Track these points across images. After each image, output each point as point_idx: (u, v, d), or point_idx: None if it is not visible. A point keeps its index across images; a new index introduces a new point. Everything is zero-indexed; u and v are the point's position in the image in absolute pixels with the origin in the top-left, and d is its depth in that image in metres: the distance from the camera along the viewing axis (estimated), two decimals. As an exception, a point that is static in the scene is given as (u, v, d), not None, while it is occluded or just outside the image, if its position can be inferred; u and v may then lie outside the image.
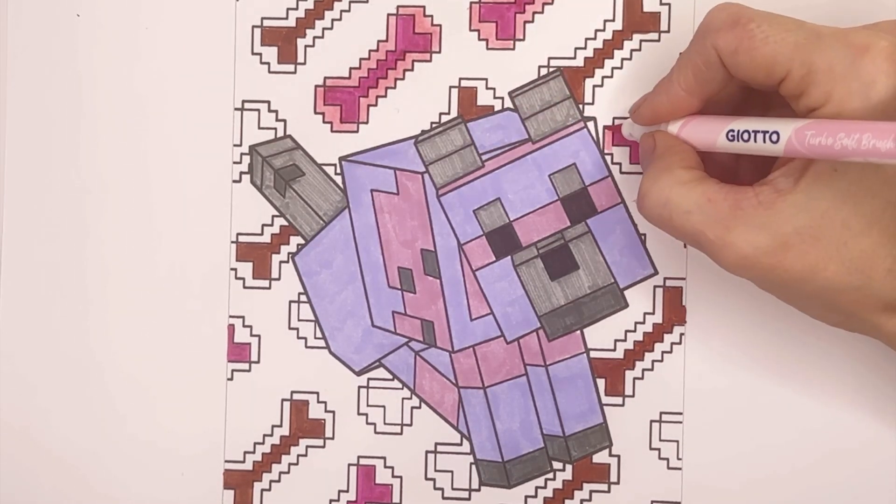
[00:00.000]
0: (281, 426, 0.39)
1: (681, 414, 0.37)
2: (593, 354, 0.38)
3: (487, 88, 0.38)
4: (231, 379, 0.39)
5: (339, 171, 0.38)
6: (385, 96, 0.38)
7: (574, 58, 0.37)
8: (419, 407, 0.39)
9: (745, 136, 0.30)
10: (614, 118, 0.37)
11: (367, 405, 0.39)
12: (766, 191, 0.30)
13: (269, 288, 0.39)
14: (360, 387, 0.39)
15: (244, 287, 0.39)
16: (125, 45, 0.39)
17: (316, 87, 0.38)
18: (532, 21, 0.37)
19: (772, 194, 0.30)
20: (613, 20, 0.37)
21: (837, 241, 0.29)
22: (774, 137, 0.29)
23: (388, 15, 0.38)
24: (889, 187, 0.29)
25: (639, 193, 0.32)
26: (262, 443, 0.39)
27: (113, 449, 0.39)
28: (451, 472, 0.38)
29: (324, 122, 0.38)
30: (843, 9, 0.36)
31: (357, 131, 0.38)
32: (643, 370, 0.37)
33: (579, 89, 0.37)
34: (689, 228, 0.31)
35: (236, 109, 0.39)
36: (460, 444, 0.38)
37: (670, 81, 0.32)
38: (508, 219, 0.38)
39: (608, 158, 0.37)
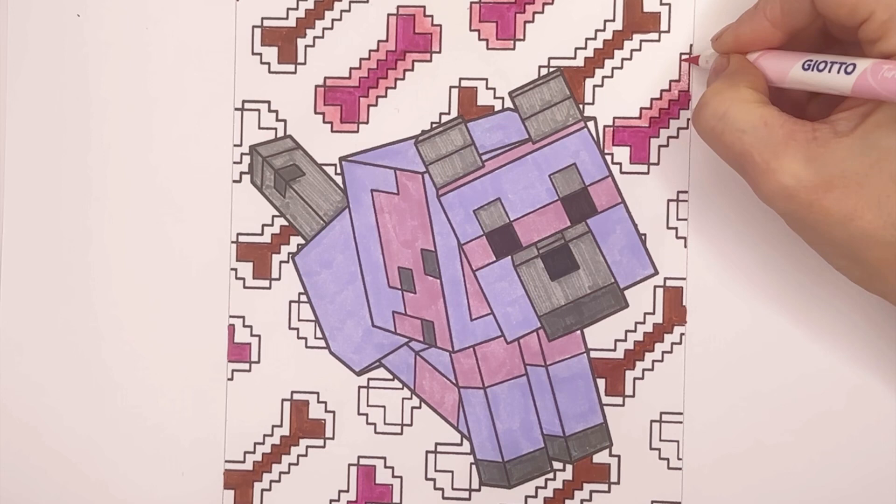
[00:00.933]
0: (281, 426, 0.39)
1: (681, 414, 0.37)
2: (593, 354, 0.38)
3: (487, 88, 0.38)
4: (231, 379, 0.39)
5: (339, 171, 0.38)
6: (385, 96, 0.38)
7: (574, 58, 0.37)
8: (419, 407, 0.39)
9: (821, 65, 0.30)
10: (614, 118, 0.37)
11: (368, 405, 0.39)
12: (825, 129, 0.30)
13: (270, 288, 0.39)
14: (360, 387, 0.39)
15: (244, 287, 0.39)
16: (125, 45, 0.39)
17: (316, 87, 0.38)
18: (532, 21, 0.37)
19: (829, 133, 0.30)
20: (613, 20, 0.37)
21: (881, 192, 0.29)
22: (850, 69, 0.29)
23: (389, 15, 0.38)
24: None
25: (698, 104, 0.32)
26: (262, 443, 0.39)
27: (113, 448, 0.39)
28: (452, 472, 0.38)
29: (324, 122, 0.38)
30: None
31: (357, 131, 0.38)
32: (643, 370, 0.37)
33: (579, 89, 0.37)
34: (737, 147, 0.31)
35: (236, 109, 0.39)
36: (460, 444, 0.38)
37: (756, 10, 0.33)
38: (508, 219, 0.38)
39: (608, 158, 0.37)
